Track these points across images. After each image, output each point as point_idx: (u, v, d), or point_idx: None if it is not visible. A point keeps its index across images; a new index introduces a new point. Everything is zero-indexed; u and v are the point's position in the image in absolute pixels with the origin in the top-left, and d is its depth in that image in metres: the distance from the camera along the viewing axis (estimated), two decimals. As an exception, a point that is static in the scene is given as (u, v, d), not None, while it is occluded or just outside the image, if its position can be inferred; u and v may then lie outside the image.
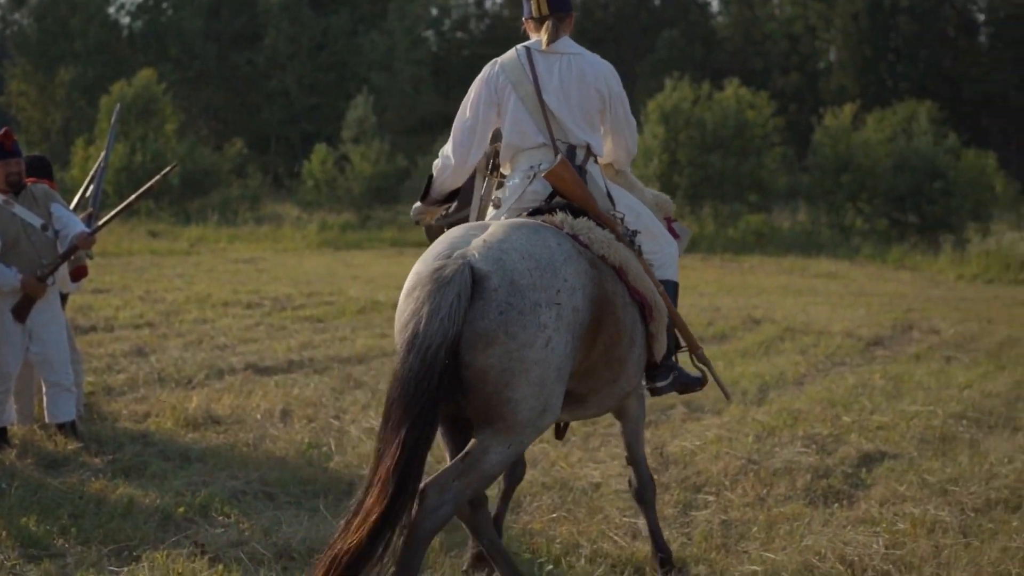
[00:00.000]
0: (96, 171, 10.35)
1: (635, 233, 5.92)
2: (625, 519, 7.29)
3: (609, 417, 10.14)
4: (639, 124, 7.38)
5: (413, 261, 16.48)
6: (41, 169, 9.89)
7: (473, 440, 5.12)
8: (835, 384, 12.29)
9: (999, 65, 67.09)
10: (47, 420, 9.18)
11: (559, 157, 5.82)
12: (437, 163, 6.36)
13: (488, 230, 5.24)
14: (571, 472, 8.44)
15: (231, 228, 37.73)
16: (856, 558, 6.55)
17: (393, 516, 4.78)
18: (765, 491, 8.02)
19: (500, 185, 6.20)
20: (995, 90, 66.45)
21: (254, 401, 10.50)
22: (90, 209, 9.94)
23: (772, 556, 6.61)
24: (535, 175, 5.90)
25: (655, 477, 8.19)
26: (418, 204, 6.62)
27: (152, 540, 6.63)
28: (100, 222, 9.63)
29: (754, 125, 41.00)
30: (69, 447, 8.75)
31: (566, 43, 6.07)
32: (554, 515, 7.38)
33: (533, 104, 5.94)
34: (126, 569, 6.17)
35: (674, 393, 6.26)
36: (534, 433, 5.17)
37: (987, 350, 15.37)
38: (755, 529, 7.21)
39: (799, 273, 29.43)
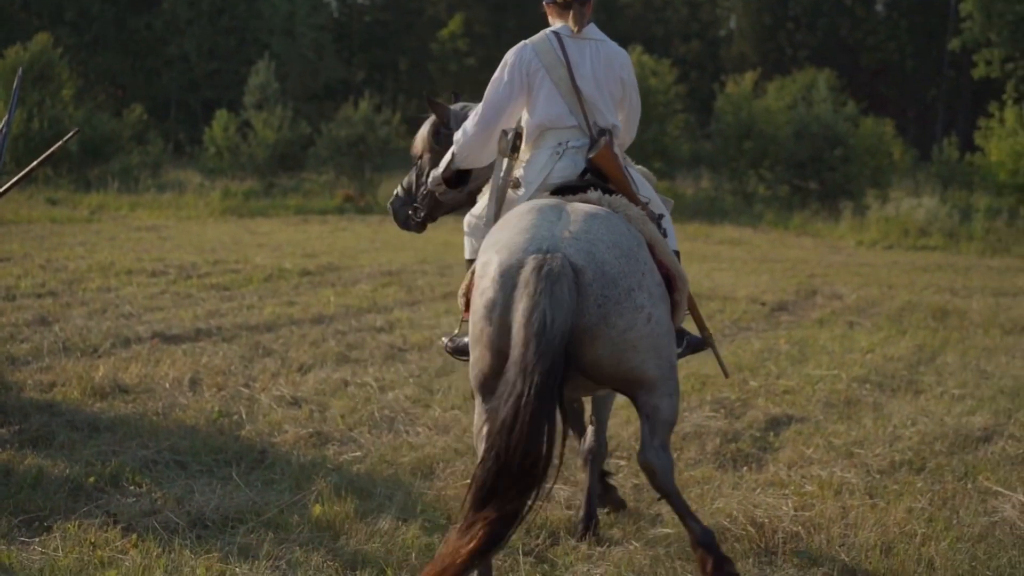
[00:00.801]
0: (-3, 137, 10.14)
1: (661, 217, 6.10)
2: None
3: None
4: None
5: (319, 229, 16.47)
6: (-60, 135, 9.68)
7: (639, 404, 5.33)
8: (741, 349, 12.46)
9: (895, 34, 68.13)
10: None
11: (604, 138, 5.99)
12: (458, 136, 6.48)
13: (566, 221, 5.31)
14: (483, 438, 8.46)
15: (132, 195, 37.11)
16: (766, 520, 6.67)
17: (526, 499, 4.94)
18: (675, 455, 8.11)
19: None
20: (892, 59, 67.52)
21: (162, 370, 10.39)
22: (-10, 176, 9.75)
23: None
24: (563, 152, 6.06)
25: (565, 441, 8.31)
26: (436, 174, 6.69)
27: (63, 510, 6.57)
28: (1, 189, 9.45)
29: (656, 92, 41.20)
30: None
31: (592, 29, 6.25)
32: (467, 481, 7.38)
33: (567, 88, 6.08)
34: (37, 539, 6.11)
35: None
36: (676, 372, 5.41)
37: (888, 315, 15.66)
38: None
39: (703, 239, 29.71)
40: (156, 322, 13.05)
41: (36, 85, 40.45)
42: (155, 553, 5.91)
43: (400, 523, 6.51)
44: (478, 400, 5.41)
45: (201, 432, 8.37)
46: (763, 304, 16.08)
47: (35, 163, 9.53)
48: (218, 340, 12.14)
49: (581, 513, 6.76)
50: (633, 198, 5.90)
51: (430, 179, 6.93)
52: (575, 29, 6.18)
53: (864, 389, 10.52)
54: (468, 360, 5.53)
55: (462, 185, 6.83)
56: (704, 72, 65.79)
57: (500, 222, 5.60)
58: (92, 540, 6.08)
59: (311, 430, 8.47)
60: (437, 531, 6.39)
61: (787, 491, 7.32)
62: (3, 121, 10.11)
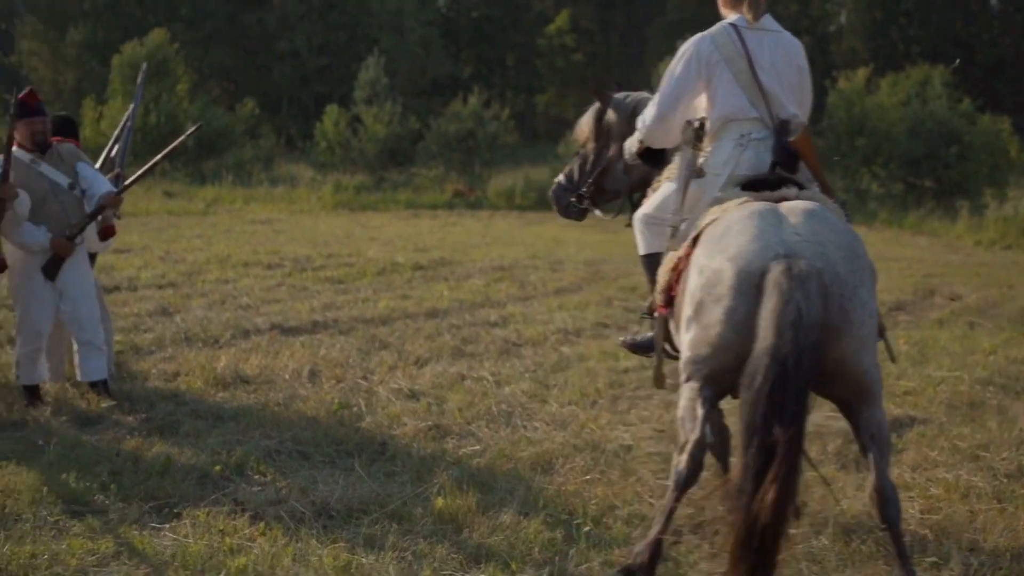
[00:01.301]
0: (122, 131, 10.35)
1: (844, 203, 6.13)
2: (659, 482, 7.28)
3: (639, 380, 10.23)
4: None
5: (429, 223, 16.50)
6: (67, 129, 9.89)
7: (862, 422, 5.39)
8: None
9: (1009, 30, 66.77)
10: (79, 378, 9.22)
11: (797, 121, 6.07)
12: (639, 123, 6.57)
13: (788, 223, 5.38)
14: (601, 434, 8.45)
15: (246, 189, 37.69)
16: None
17: (789, 501, 4.92)
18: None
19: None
20: (1007, 55, 66.17)
21: (282, 361, 10.53)
22: (117, 169, 9.93)
23: (809, 519, 6.63)
24: (747, 144, 6.08)
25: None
26: (631, 149, 6.73)
27: (192, 498, 6.68)
28: (127, 182, 9.64)
29: (768, 88, 40.82)
30: (102, 405, 8.79)
31: (768, 20, 6.24)
32: (587, 477, 7.39)
33: (747, 80, 6.09)
34: (168, 526, 6.22)
35: None
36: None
37: (1009, 316, 15.35)
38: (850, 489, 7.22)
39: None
40: (274, 314, 13.23)
41: (152, 80, 41.20)
42: (282, 542, 5.99)
43: (522, 518, 6.51)
44: (691, 388, 5.49)
45: (322, 423, 8.46)
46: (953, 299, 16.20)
47: (160, 155, 9.74)
48: (335, 332, 12.27)
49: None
50: (828, 189, 5.98)
51: (626, 153, 6.93)
52: (751, 19, 6.16)
53: (988, 391, 10.31)
54: (647, 356, 5.83)
55: (658, 160, 6.82)
56: (815, 68, 64.82)
57: (714, 231, 5.60)
58: (221, 527, 6.17)
59: (430, 423, 8.51)
60: (559, 526, 6.39)
61: (912, 494, 7.19)
62: (127, 115, 10.32)
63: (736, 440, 6.27)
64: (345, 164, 43.18)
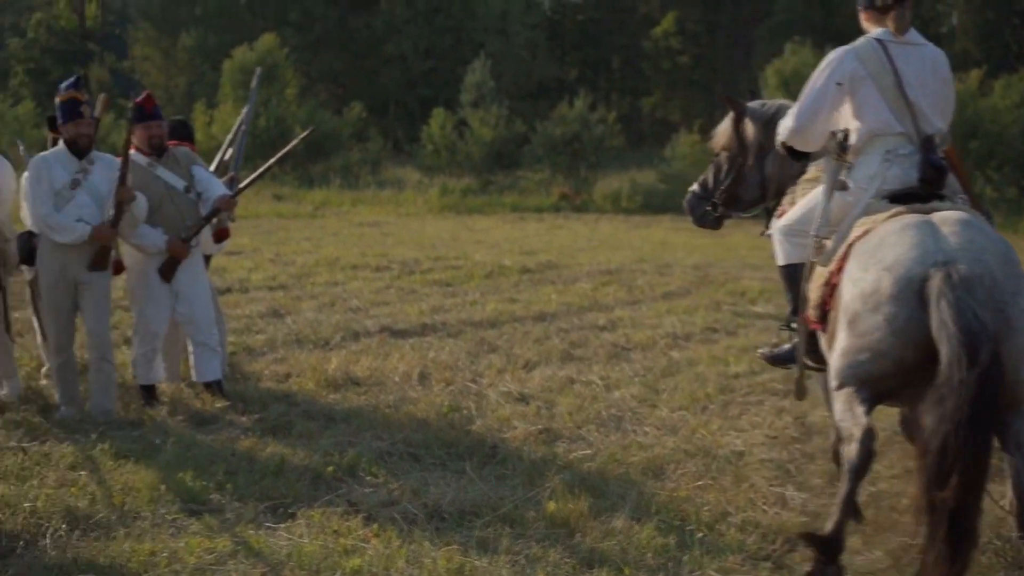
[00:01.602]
0: (236, 134, 10.50)
1: (990, 214, 6.19)
2: (773, 489, 7.22)
3: (750, 386, 10.14)
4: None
5: (536, 227, 16.53)
6: (183, 132, 10.07)
7: (1010, 432, 5.33)
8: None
9: None
10: (194, 379, 9.37)
11: (941, 134, 6.12)
12: (779, 131, 6.62)
13: (943, 233, 5.41)
14: (712, 440, 8.38)
15: (353, 192, 38.03)
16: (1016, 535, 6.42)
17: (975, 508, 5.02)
18: (911, 463, 7.90)
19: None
20: None
21: (392, 363, 10.60)
22: (231, 172, 10.07)
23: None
24: (893, 159, 6.08)
25: (798, 447, 8.19)
26: (784, 140, 6.68)
27: (305, 498, 6.74)
28: (242, 185, 9.77)
29: (876, 90, 40.26)
30: (216, 405, 8.93)
31: (913, 34, 6.27)
32: (699, 483, 7.33)
33: (893, 95, 6.10)
34: (283, 526, 6.29)
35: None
36: None
37: None
38: (905, 501, 7.09)
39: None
40: (383, 316, 13.33)
41: (263, 85, 41.72)
42: (396, 543, 6.02)
43: (634, 523, 6.48)
44: (847, 392, 5.54)
45: (432, 426, 8.50)
46: None
47: (274, 159, 9.87)
48: (443, 335, 12.32)
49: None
50: (975, 200, 6.02)
51: (779, 136, 6.93)
52: (897, 33, 6.13)
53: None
54: (788, 368, 6.07)
55: (803, 158, 6.81)
56: (926, 70, 63.99)
57: (867, 244, 5.63)
58: (335, 528, 6.23)
59: (540, 427, 8.51)
60: (672, 532, 6.35)
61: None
62: (241, 119, 10.47)
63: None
64: (451, 167, 43.39)
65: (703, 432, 8.58)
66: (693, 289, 16.89)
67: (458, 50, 61.42)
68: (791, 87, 39.32)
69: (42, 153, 8.95)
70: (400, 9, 63.78)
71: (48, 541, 5.91)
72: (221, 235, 9.53)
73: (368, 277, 17.08)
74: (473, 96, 46.13)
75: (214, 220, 9.23)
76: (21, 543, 5.89)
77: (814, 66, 6.54)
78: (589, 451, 8.00)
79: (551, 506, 6.65)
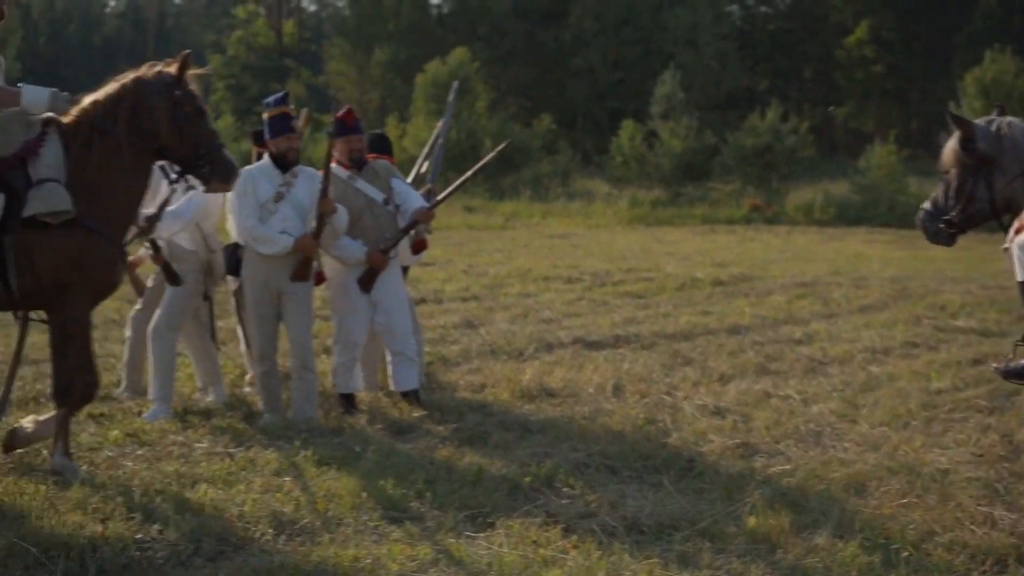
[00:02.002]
0: (432, 147, 10.63)
1: None
2: (980, 508, 6.97)
3: (953, 402, 9.87)
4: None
5: (727, 239, 16.42)
6: (382, 146, 10.22)
7: None
8: None
9: None
10: (392, 388, 9.50)
11: None
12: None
13: None
14: (916, 457, 8.15)
15: (543, 204, 38.26)
16: None
17: None
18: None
19: None
20: None
21: (585, 375, 10.60)
22: (428, 185, 10.20)
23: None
24: None
25: (1006, 465, 7.92)
26: None
27: (503, 508, 6.76)
28: (439, 197, 9.88)
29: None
30: (414, 414, 9.03)
31: None
32: (904, 501, 7.13)
33: None
34: (483, 535, 6.32)
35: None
36: None
37: None
38: None
39: None
40: (576, 328, 13.35)
41: (457, 96, 42.32)
42: (595, 555, 5.99)
43: (837, 540, 6.34)
44: None
45: (628, 438, 8.45)
46: None
47: (471, 172, 9.94)
48: (637, 347, 12.28)
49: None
50: None
51: None
52: None
53: None
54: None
55: None
56: None
57: None
58: (534, 538, 6.23)
59: (737, 441, 8.40)
60: (876, 551, 6.18)
61: None
62: (437, 132, 10.60)
63: None
64: (640, 179, 43.33)
65: (906, 449, 8.36)
66: (891, 302, 16.50)
67: (647, 62, 61.34)
68: (991, 96, 38.22)
69: (248, 167, 9.18)
70: (589, 22, 63.98)
71: (255, 545, 6.04)
72: (419, 246, 9.65)
73: (560, 289, 17.15)
74: (663, 107, 45.98)
75: (412, 232, 9.35)
76: (229, 546, 6.03)
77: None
78: (788, 466, 7.86)
79: (751, 521, 6.54)
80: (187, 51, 7.53)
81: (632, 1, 64.30)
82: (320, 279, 9.27)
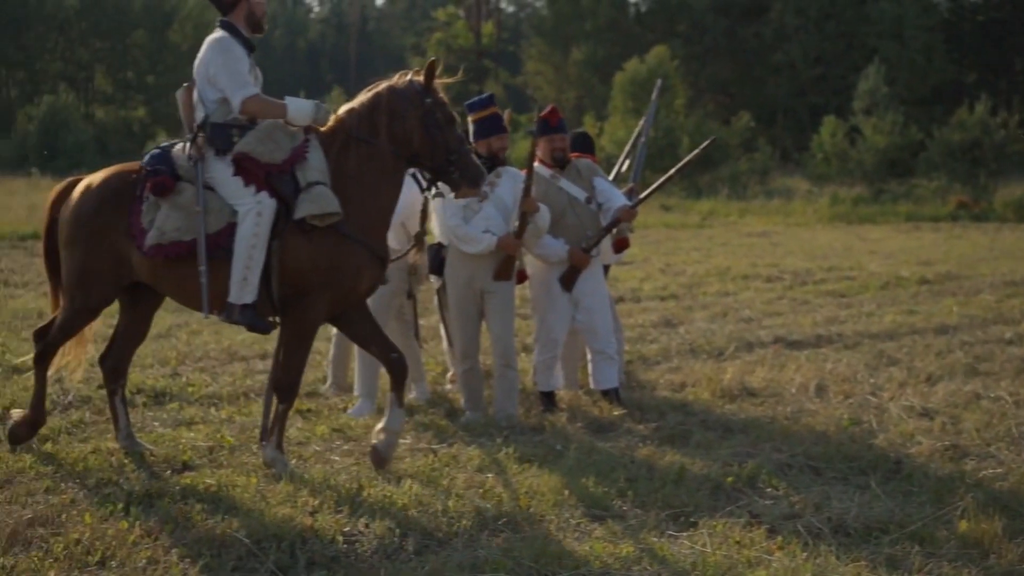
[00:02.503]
0: (634, 145, 10.61)
1: None
2: None
3: None
4: None
5: (932, 236, 16.03)
6: (584, 145, 10.24)
7: None
8: None
9: None
10: (591, 386, 9.53)
11: None
12: None
13: None
14: None
15: (741, 202, 37.87)
16: None
17: None
18: None
19: None
20: None
21: (787, 375, 10.46)
22: (631, 183, 10.18)
23: None
24: None
25: None
26: None
27: (706, 507, 6.73)
28: (642, 195, 9.85)
29: None
30: (614, 413, 9.04)
31: None
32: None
33: None
34: (685, 535, 6.29)
35: None
36: None
37: None
38: None
39: None
40: (777, 327, 13.20)
41: (660, 95, 42.19)
42: (801, 557, 5.92)
43: (1054, 547, 6.15)
44: None
45: (832, 439, 8.32)
46: None
47: (674, 170, 9.87)
48: (840, 347, 12.08)
49: None
50: None
51: None
52: None
53: None
54: None
55: None
56: None
57: None
58: (737, 539, 6.18)
59: (946, 443, 8.18)
60: None
61: None
62: (639, 130, 10.57)
63: None
64: (842, 176, 42.51)
65: None
66: (1109, 301, 15.88)
67: (850, 56, 60.17)
68: None
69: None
70: (790, 17, 63.03)
71: (459, 540, 6.13)
72: (621, 245, 9.64)
73: (759, 287, 16.98)
74: (866, 103, 44.99)
75: (614, 230, 9.35)
76: (434, 541, 6.13)
77: None
78: (1000, 470, 7.63)
79: (963, 525, 6.38)
80: (433, 59, 7.76)
81: (834, -5, 63.19)
82: (522, 278, 9.35)
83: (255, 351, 11.19)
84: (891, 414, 9.10)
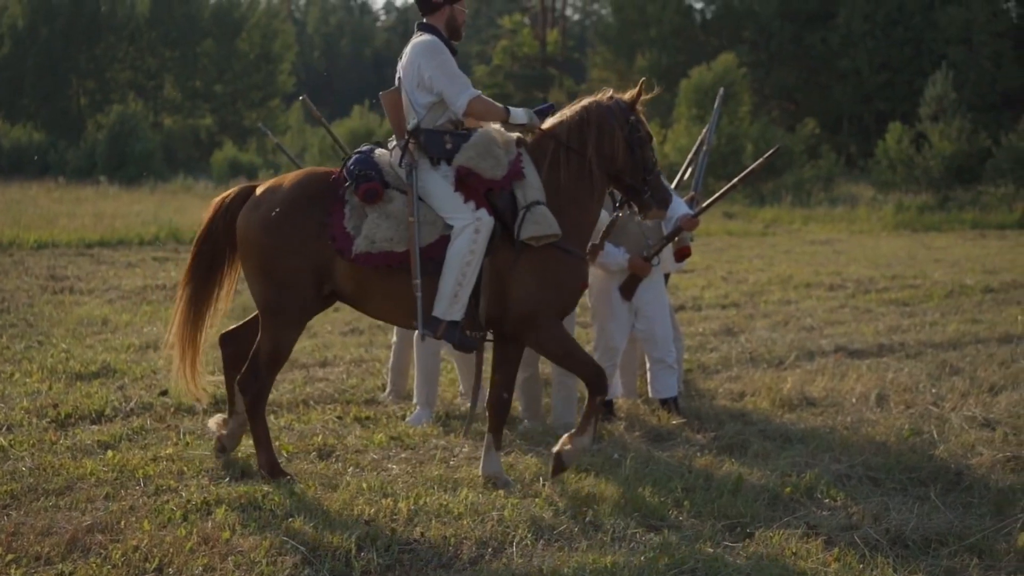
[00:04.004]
0: (696, 153, 10.58)
1: None
2: None
3: None
4: None
5: (998, 244, 15.81)
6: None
7: None
8: None
9: None
10: (650, 395, 9.53)
11: None
12: None
13: None
14: None
15: (805, 209, 37.61)
16: None
17: None
18: None
19: None
20: None
21: (848, 384, 10.39)
22: (692, 192, 10.15)
23: None
24: None
25: None
26: None
27: (763, 518, 6.71)
28: (704, 204, 9.83)
29: None
30: (672, 422, 9.04)
31: None
32: None
33: None
34: (741, 545, 6.28)
35: None
36: None
37: None
38: None
39: None
40: (838, 336, 13.12)
41: (723, 103, 42.06)
42: (857, 569, 5.89)
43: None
44: None
45: (892, 449, 8.26)
46: None
47: (737, 179, 9.83)
48: (902, 356, 11.98)
49: None
50: None
51: None
52: None
53: None
54: None
55: None
56: None
57: None
58: (794, 550, 6.16)
59: (1008, 454, 8.10)
60: None
61: None
62: (702, 138, 10.54)
63: None
64: (907, 183, 42.10)
65: None
66: None
67: (917, 62, 59.60)
68: None
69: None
70: (857, 23, 62.52)
71: (514, 549, 6.13)
72: (682, 254, 9.60)
73: (822, 296, 16.88)
74: (933, 109, 44.55)
75: (675, 239, 9.34)
76: (489, 550, 6.14)
77: None
78: (1063, 482, 7.55)
79: (1022, 538, 6.32)
80: (644, 77, 7.77)
81: (903, 0, 62.59)
82: (582, 285, 9.35)
83: (315, 359, 11.27)
84: (952, 424, 9.01)
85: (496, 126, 7.26)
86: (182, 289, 7.70)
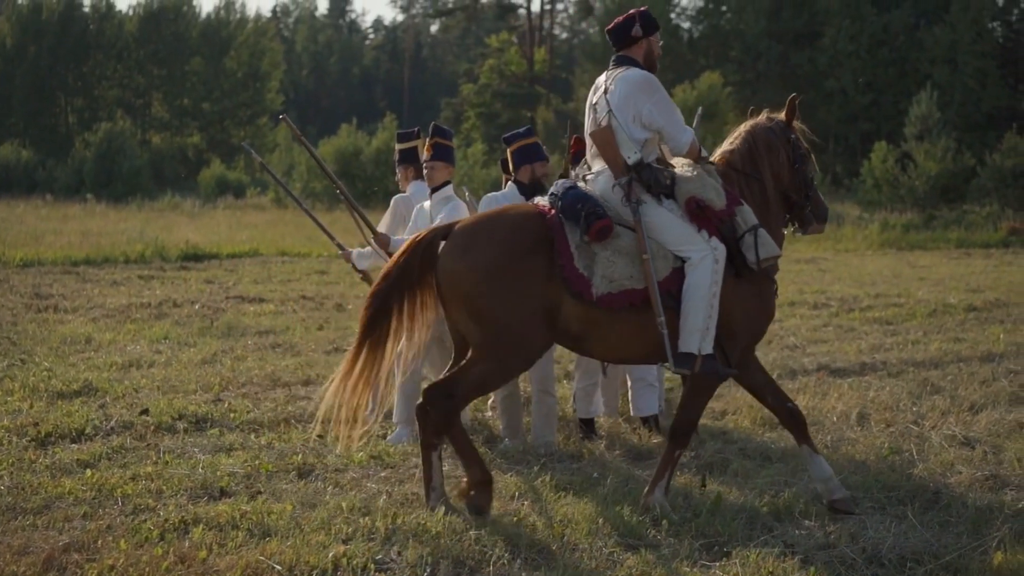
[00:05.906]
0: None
1: None
2: None
3: None
4: None
5: (982, 263, 15.88)
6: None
7: None
8: None
9: None
10: (631, 414, 9.55)
11: None
12: None
13: None
14: None
15: (789, 227, 37.68)
16: None
17: None
18: None
19: None
20: None
21: (829, 403, 10.42)
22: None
23: None
24: None
25: None
26: None
27: (741, 537, 6.71)
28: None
29: None
30: (653, 440, 9.05)
31: None
32: None
33: None
34: (717, 564, 6.28)
35: None
36: None
37: None
38: None
39: None
40: (821, 354, 13.16)
41: (701, 123, 42.11)
42: (841, 588, 5.91)
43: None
44: None
45: (871, 468, 8.29)
46: None
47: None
48: (884, 375, 12.01)
49: None
50: None
51: None
52: None
53: None
54: None
55: None
56: None
57: None
58: (770, 569, 6.16)
59: (986, 473, 8.12)
60: None
61: None
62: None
63: None
64: (893, 202, 42.26)
65: None
66: None
67: (902, 82, 59.93)
68: None
69: (492, 193, 9.38)
70: (843, 43, 62.85)
71: (491, 568, 6.13)
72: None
73: (805, 314, 16.92)
74: (918, 128, 44.77)
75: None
76: (466, 569, 6.14)
77: None
78: (1046, 501, 7.57)
79: (998, 557, 6.34)
80: (794, 95, 7.93)
81: (888, 21, 62.92)
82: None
83: (298, 377, 11.27)
84: (932, 443, 9.04)
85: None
86: (362, 335, 7.20)
